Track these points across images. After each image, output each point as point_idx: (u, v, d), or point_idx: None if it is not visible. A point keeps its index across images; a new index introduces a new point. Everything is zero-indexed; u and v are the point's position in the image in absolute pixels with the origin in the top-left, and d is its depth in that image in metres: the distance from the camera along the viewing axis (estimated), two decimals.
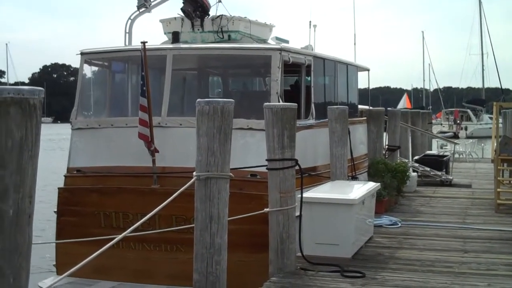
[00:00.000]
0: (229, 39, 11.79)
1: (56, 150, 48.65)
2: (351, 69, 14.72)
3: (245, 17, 12.17)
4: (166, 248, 9.52)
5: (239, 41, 11.78)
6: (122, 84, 12.32)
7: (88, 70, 11.54)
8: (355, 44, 16.97)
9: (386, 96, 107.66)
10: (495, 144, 15.27)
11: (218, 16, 11.93)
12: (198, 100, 6.03)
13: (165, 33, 12.22)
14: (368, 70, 16.42)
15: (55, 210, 10.17)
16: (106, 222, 9.68)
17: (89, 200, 9.85)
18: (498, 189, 13.03)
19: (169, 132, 10.00)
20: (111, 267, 9.46)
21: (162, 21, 12.32)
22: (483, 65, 79.96)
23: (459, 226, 11.00)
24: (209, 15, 12.07)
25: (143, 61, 9.37)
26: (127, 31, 11.93)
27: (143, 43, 9.49)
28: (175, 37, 11.45)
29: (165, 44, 11.62)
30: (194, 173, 5.97)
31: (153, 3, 12.28)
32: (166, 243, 9.45)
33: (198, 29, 11.91)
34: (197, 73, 13.81)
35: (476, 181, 18.00)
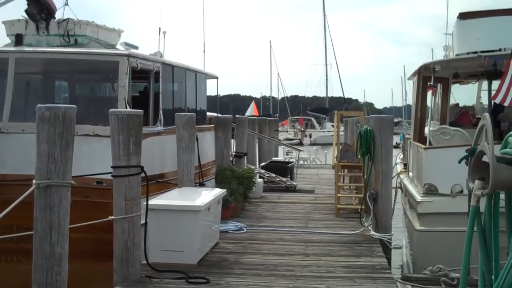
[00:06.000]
0: (76, 44, 11.56)
1: None
2: (200, 76, 14.89)
3: (93, 22, 11.99)
4: (6, 259, 9.17)
5: (86, 46, 11.59)
6: None
7: None
8: (204, 51, 17.21)
9: (237, 103, 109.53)
10: (336, 151, 16.03)
11: (65, 20, 11.68)
12: (38, 105, 5.89)
13: (8, 35, 11.77)
14: (217, 78, 16.68)
15: None
16: None
17: None
18: (338, 194, 13.66)
19: (10, 138, 9.64)
20: None
21: (5, 22, 11.87)
22: (326, 75, 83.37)
23: (302, 230, 11.41)
24: (55, 18, 11.78)
25: None
26: None
27: None
28: (18, 39, 11.09)
29: (7, 46, 11.20)
30: (34, 181, 5.81)
31: None
32: (6, 253, 9.09)
33: (43, 32, 11.59)
34: (42, 78, 13.38)
35: (319, 186, 18.69)
